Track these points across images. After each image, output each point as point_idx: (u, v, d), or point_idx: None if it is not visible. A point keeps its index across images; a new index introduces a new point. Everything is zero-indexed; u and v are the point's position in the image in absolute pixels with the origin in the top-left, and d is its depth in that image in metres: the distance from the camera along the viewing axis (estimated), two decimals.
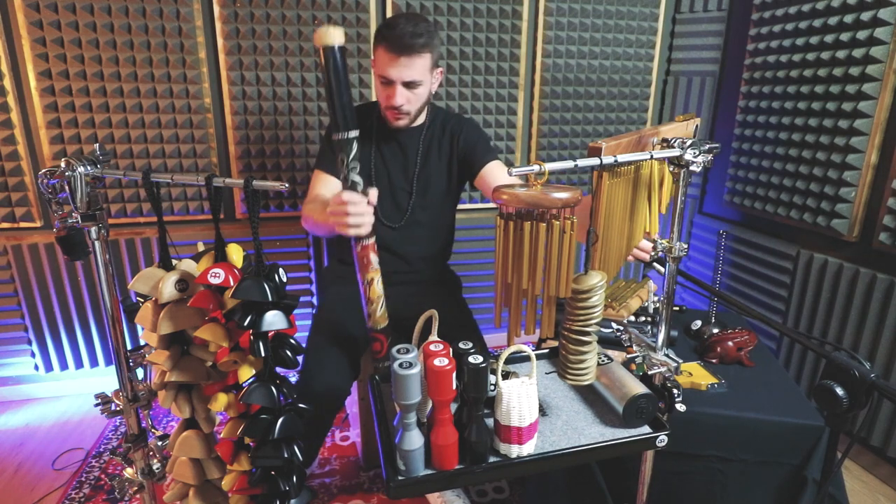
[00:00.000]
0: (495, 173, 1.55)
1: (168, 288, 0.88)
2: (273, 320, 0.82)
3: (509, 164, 2.49)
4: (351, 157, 1.18)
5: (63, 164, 1.05)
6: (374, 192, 1.22)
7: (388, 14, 2.17)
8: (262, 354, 0.85)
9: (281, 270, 0.86)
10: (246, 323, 0.81)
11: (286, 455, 0.87)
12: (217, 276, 0.83)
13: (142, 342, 1.04)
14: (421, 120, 1.61)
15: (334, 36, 1.11)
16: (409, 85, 1.44)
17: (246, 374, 0.93)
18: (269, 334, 0.86)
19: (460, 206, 2.47)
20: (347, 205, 1.16)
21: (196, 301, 0.85)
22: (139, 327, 2.22)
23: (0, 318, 2.13)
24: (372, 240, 1.26)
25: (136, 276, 0.91)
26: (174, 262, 0.96)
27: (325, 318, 1.57)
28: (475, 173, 1.59)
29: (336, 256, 1.85)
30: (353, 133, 1.17)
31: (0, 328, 2.15)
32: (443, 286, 1.75)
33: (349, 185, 1.20)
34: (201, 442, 0.97)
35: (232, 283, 0.83)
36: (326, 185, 1.55)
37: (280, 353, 0.89)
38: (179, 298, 0.89)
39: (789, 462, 1.38)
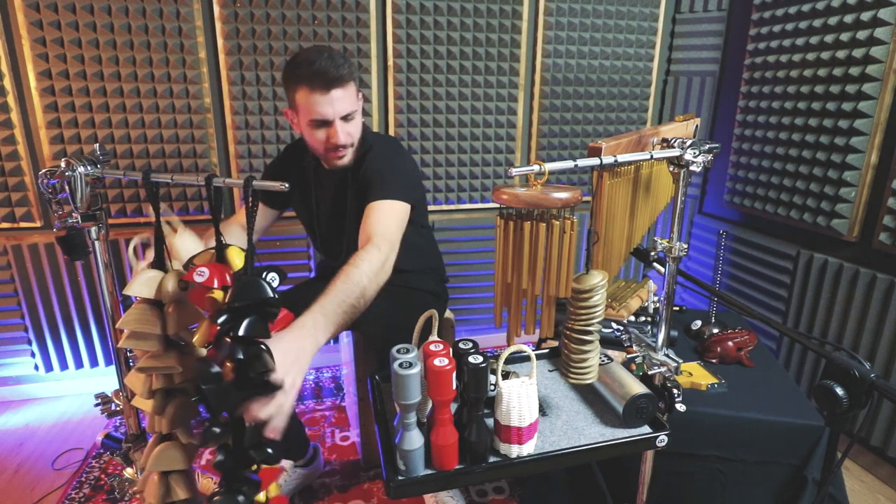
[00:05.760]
0: (370, 215, 1.32)
1: (171, 285, 0.87)
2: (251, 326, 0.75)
3: (509, 164, 2.50)
4: None
5: (63, 164, 1.06)
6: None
7: (389, 14, 2.16)
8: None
9: (273, 273, 0.82)
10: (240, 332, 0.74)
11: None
12: (201, 275, 0.81)
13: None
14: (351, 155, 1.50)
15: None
16: (347, 118, 1.37)
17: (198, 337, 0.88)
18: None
19: (460, 206, 2.49)
20: None
21: (192, 297, 0.84)
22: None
23: (0, 318, 2.14)
24: None
25: (135, 280, 0.89)
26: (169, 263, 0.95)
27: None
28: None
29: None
30: None
31: (0, 328, 2.15)
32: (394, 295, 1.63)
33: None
34: (181, 453, 0.90)
35: (216, 284, 0.81)
36: None
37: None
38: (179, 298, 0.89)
39: (789, 462, 1.38)
